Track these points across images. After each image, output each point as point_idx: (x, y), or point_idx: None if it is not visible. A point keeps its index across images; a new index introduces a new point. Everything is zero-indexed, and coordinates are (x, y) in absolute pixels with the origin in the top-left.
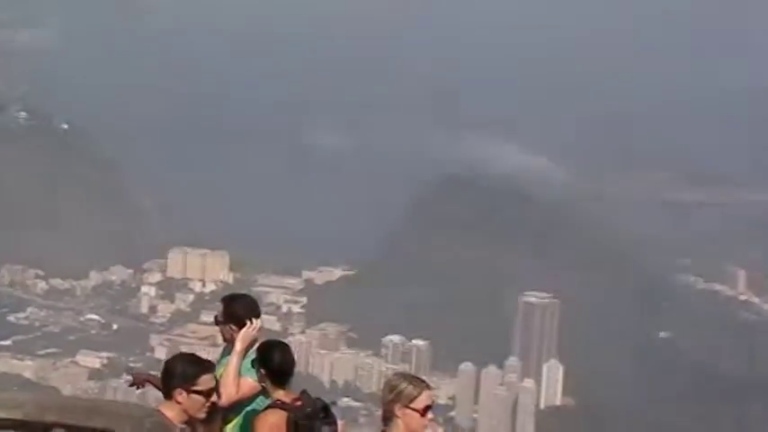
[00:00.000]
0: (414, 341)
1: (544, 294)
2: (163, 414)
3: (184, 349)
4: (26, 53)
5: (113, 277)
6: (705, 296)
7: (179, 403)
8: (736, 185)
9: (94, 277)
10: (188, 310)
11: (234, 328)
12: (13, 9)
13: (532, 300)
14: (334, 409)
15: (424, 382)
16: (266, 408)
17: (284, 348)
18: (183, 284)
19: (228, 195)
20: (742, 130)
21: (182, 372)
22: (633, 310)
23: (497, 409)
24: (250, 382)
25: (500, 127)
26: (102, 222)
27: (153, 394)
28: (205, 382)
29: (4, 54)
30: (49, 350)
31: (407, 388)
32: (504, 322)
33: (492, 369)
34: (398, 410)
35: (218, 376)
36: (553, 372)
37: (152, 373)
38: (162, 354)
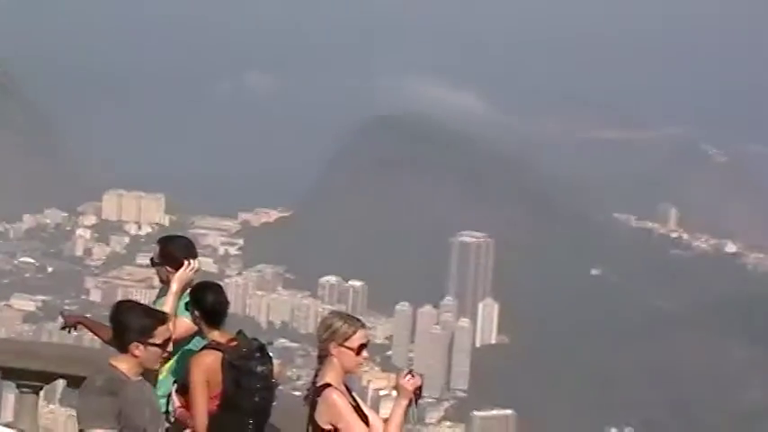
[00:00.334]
0: (350, 282)
1: (479, 234)
2: (116, 368)
3: (120, 292)
4: None
5: (47, 220)
6: (638, 234)
7: (136, 357)
8: (658, 122)
9: (28, 220)
10: (123, 252)
11: (170, 269)
12: None
13: (467, 239)
14: (269, 350)
15: (359, 320)
16: (201, 348)
17: (217, 289)
18: (118, 227)
19: (163, 138)
20: (659, 68)
21: (138, 325)
22: (566, 248)
23: (434, 348)
24: (186, 322)
25: (429, 68)
26: (36, 165)
27: (89, 336)
28: (162, 333)
29: None
30: None
31: (342, 326)
32: (440, 262)
33: (428, 309)
34: (333, 349)
35: None
36: (488, 310)
37: (87, 315)
38: (97, 296)
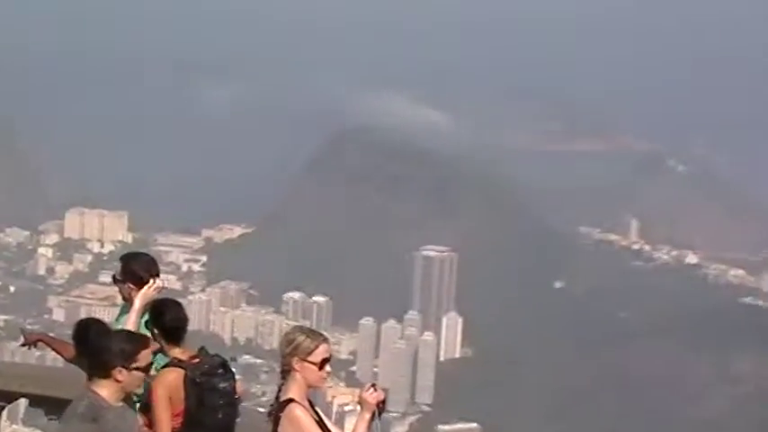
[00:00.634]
0: (314, 297)
1: (442, 248)
2: (96, 394)
3: (84, 311)
4: None
5: (9, 239)
6: (601, 246)
7: (119, 381)
8: (621, 133)
9: None
10: (86, 270)
11: (132, 286)
12: None
13: (431, 253)
14: (232, 366)
15: (321, 335)
16: (163, 366)
17: (175, 306)
18: (80, 245)
19: (125, 154)
20: (627, 77)
21: (120, 350)
22: (529, 261)
23: (398, 363)
24: None
25: (393, 80)
26: None
27: (51, 355)
28: (145, 357)
29: None
30: None
31: (305, 341)
32: (403, 276)
33: (392, 323)
34: (296, 364)
35: None
36: (452, 324)
37: (51, 335)
38: (60, 315)
